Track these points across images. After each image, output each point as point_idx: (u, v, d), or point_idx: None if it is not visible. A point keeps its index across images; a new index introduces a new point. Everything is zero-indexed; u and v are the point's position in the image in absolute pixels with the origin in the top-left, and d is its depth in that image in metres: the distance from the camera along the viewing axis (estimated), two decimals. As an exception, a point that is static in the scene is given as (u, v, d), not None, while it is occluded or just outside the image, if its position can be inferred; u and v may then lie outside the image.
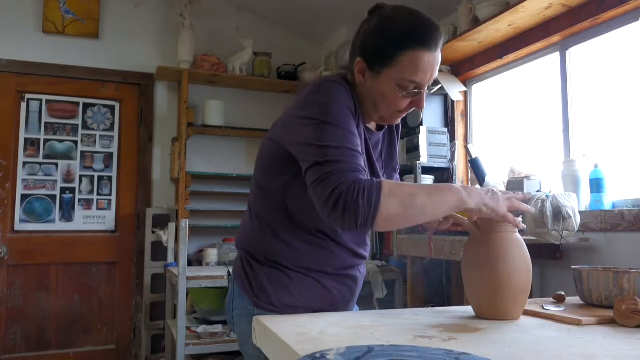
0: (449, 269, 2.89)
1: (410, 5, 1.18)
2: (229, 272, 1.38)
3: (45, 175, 3.57)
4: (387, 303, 2.96)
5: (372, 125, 1.30)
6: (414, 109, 1.21)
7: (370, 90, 1.18)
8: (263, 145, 1.26)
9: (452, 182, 3.18)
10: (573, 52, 2.60)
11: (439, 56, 1.15)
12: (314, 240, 1.20)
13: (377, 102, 1.19)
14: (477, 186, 1.16)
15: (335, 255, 1.22)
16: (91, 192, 3.66)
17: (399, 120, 1.28)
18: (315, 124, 1.07)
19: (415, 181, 3.02)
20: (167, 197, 3.82)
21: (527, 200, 1.17)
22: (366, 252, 1.32)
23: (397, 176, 1.40)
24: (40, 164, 3.57)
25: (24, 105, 3.56)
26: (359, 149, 1.09)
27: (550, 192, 2.16)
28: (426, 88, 1.18)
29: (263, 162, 1.24)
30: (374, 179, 1.03)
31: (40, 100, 3.59)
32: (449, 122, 3.27)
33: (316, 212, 1.07)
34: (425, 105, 1.20)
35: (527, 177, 2.30)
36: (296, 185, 1.16)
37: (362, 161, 1.08)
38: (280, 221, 1.20)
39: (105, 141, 3.73)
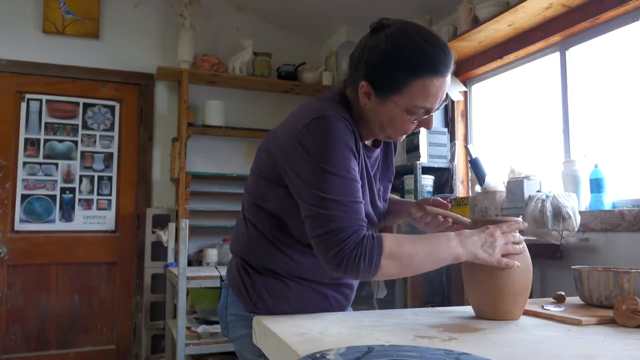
0: (449, 269, 2.88)
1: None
2: (221, 277, 1.36)
3: (45, 175, 3.57)
4: (387, 303, 2.95)
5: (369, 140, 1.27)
6: (421, 128, 1.18)
7: (376, 113, 1.14)
8: (259, 155, 1.23)
9: (452, 182, 3.17)
10: (573, 52, 2.60)
11: (449, 78, 1.12)
12: (309, 252, 1.17)
13: (384, 125, 1.16)
14: (477, 238, 1.09)
15: None
16: (91, 192, 3.66)
17: (403, 138, 1.26)
18: (314, 167, 1.05)
19: (415, 181, 3.01)
20: (167, 197, 3.82)
21: (522, 230, 1.17)
22: None
23: (390, 185, 1.37)
24: (40, 164, 3.57)
25: (24, 105, 3.56)
26: (360, 196, 1.07)
27: (550, 192, 2.16)
28: (435, 109, 1.14)
29: (258, 172, 1.21)
30: (375, 235, 1.04)
31: (40, 100, 3.59)
32: (449, 122, 3.27)
33: None
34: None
35: (527, 177, 2.30)
36: (291, 202, 1.13)
37: (362, 210, 1.07)
38: (276, 233, 1.19)
39: (105, 141, 3.73)
